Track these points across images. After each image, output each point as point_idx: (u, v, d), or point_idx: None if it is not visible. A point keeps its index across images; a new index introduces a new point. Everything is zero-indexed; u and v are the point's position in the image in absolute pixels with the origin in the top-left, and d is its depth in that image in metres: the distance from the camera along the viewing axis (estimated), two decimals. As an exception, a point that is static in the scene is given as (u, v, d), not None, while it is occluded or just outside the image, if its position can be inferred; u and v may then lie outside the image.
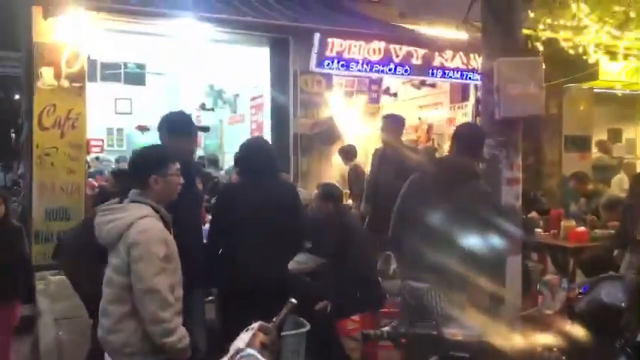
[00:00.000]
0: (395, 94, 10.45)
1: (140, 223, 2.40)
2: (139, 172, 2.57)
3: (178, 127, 3.14)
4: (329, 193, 4.30)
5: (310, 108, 7.50)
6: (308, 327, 3.58)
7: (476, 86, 8.41)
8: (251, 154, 3.54)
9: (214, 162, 9.04)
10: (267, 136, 8.35)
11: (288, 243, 3.45)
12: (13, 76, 14.00)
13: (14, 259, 4.01)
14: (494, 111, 4.07)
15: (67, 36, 6.28)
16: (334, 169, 7.81)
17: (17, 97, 14.64)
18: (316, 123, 7.48)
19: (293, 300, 1.90)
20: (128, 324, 2.41)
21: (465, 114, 8.72)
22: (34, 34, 6.22)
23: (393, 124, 5.11)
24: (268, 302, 3.05)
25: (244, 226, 3.28)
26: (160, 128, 3.19)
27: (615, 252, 4.45)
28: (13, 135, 19.09)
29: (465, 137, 3.28)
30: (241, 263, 3.24)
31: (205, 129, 3.75)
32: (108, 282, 2.45)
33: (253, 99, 9.72)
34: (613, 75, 8.01)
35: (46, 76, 6.41)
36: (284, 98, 7.53)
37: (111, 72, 13.13)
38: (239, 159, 3.65)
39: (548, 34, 6.25)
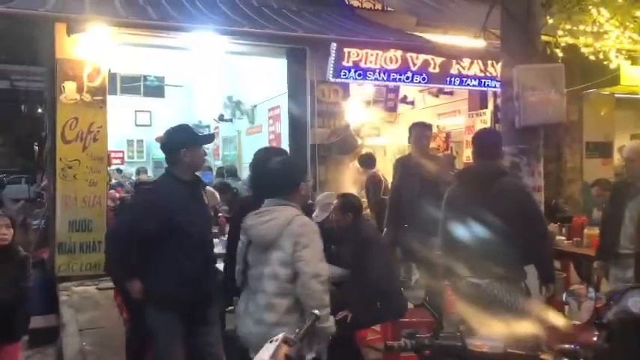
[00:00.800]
0: (412, 103, 10.43)
1: (299, 218, 2.63)
2: (292, 180, 2.78)
3: (191, 140, 3.16)
4: (349, 204, 4.28)
5: (327, 117, 7.53)
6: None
7: (494, 93, 8.36)
8: (260, 167, 3.49)
9: (233, 172, 9.10)
10: (285, 146, 8.39)
11: None
12: (35, 91, 14.32)
13: (16, 296, 3.55)
14: (515, 119, 4.05)
15: (89, 51, 6.42)
16: (352, 178, 7.80)
17: (40, 110, 14.91)
18: (333, 132, 7.48)
19: (316, 312, 1.90)
20: (292, 317, 2.53)
21: (483, 121, 8.65)
22: (56, 50, 6.37)
23: (423, 132, 4.97)
24: None
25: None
26: (173, 145, 3.14)
27: (595, 264, 4.31)
28: (36, 148, 19.49)
29: (484, 141, 3.45)
30: None
31: (210, 137, 3.72)
32: (273, 276, 2.57)
33: (271, 109, 9.79)
34: (634, 80, 7.89)
35: (69, 90, 6.55)
36: (301, 108, 7.56)
37: (131, 85, 13.34)
38: (250, 174, 3.62)
39: (568, 39, 6.17)
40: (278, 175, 2.82)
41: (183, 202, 3.08)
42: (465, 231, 3.22)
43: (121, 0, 5.48)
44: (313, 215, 4.58)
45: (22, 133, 25.00)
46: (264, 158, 3.60)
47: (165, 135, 3.23)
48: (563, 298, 2.32)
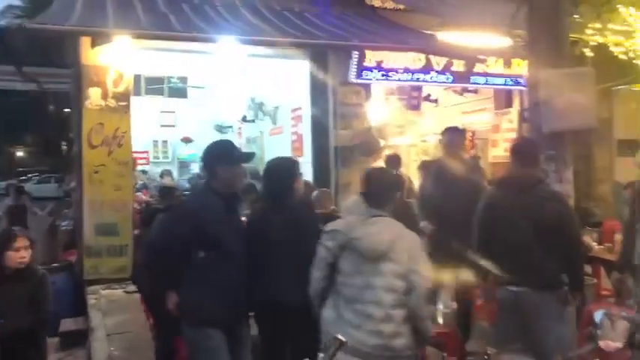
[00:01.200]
0: (436, 101, 10.31)
1: (407, 231, 2.68)
2: (391, 192, 2.84)
3: (227, 159, 3.15)
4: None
5: (350, 119, 7.47)
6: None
7: (520, 92, 8.20)
8: (268, 178, 3.45)
9: (255, 174, 9.07)
10: (307, 147, 8.36)
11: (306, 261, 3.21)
12: (63, 92, 14.60)
13: (37, 319, 3.29)
14: (542, 124, 3.95)
15: (113, 58, 6.51)
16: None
17: (68, 110, 15.15)
18: (356, 134, 7.43)
19: (341, 337, 1.87)
20: (407, 327, 2.58)
21: (509, 120, 8.50)
22: (82, 58, 6.47)
23: (455, 137, 4.71)
24: (292, 325, 3.06)
25: (266, 249, 3.22)
26: (211, 160, 3.15)
27: (612, 276, 4.15)
28: (64, 147, 19.89)
29: (522, 152, 3.45)
30: (262, 287, 3.23)
31: (248, 156, 3.68)
32: (390, 289, 2.58)
33: (293, 111, 9.77)
34: (667, 76, 7.61)
35: (94, 96, 6.63)
36: (323, 110, 7.53)
37: (154, 86, 13.46)
38: (265, 183, 3.52)
39: (598, 38, 6.00)
40: (388, 187, 2.86)
41: (216, 211, 3.07)
42: (502, 238, 3.26)
43: (144, 8, 5.50)
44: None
45: (51, 134, 25.64)
46: (285, 167, 3.57)
47: (205, 150, 3.24)
48: (597, 319, 2.27)
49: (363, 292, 2.60)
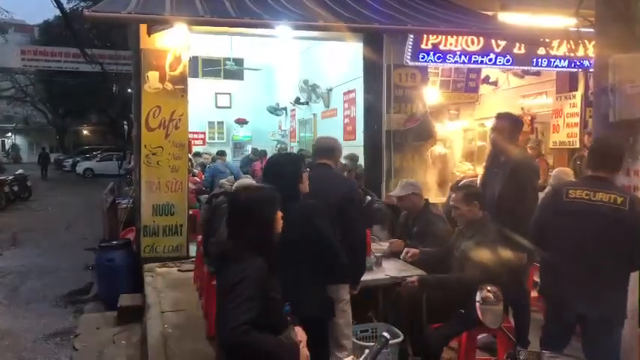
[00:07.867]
0: (495, 83, 9.95)
1: None
2: None
3: None
4: (475, 194, 3.80)
5: (404, 102, 7.31)
6: (401, 337, 3.54)
7: (585, 74, 7.78)
8: (269, 174, 3.22)
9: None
10: (360, 131, 8.27)
11: (318, 266, 3.07)
12: (125, 73, 15.12)
13: None
14: (609, 112, 3.71)
15: (170, 41, 6.64)
16: (430, 166, 7.59)
17: (129, 91, 15.68)
18: (410, 118, 7.27)
19: (386, 334, 1.85)
20: None
21: (573, 105, 8.09)
22: (141, 42, 6.64)
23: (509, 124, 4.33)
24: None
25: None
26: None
27: None
28: (126, 127, 20.60)
29: (601, 153, 3.30)
30: None
31: None
32: None
33: (346, 93, 9.69)
34: None
35: (152, 79, 6.81)
36: (377, 93, 7.38)
37: (211, 68, 13.69)
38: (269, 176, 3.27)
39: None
40: None
41: None
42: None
43: (200, -6, 5.54)
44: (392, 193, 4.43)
45: (113, 113, 26.69)
46: (280, 162, 3.33)
47: None
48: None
49: None
